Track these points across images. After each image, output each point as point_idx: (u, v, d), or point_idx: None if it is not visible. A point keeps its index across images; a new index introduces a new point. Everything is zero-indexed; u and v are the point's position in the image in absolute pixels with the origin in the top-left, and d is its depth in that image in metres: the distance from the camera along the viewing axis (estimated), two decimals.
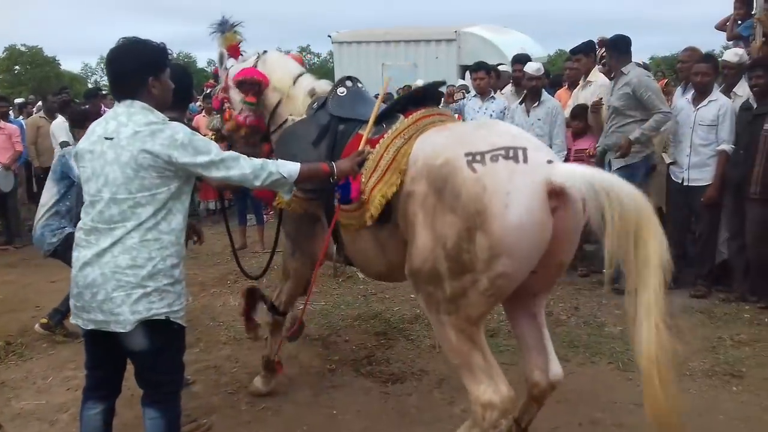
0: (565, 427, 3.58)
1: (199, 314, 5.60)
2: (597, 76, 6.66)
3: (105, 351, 2.79)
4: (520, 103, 6.45)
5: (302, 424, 3.72)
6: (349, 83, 3.59)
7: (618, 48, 5.73)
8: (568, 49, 7.13)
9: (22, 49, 49.06)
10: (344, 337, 4.99)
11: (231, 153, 2.78)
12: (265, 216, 8.46)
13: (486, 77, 6.87)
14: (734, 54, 5.87)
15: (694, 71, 5.59)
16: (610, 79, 6.08)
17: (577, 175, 2.56)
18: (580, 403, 3.81)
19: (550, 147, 6.14)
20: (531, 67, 6.41)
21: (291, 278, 3.96)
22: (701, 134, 5.43)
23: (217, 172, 2.70)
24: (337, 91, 3.55)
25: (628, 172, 5.33)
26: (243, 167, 2.74)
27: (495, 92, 7.26)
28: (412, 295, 5.86)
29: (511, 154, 2.62)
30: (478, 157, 2.64)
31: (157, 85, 2.73)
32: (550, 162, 2.63)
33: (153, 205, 2.61)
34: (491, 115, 6.73)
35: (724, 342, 4.60)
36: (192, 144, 2.62)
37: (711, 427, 3.54)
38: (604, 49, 6.21)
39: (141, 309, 2.60)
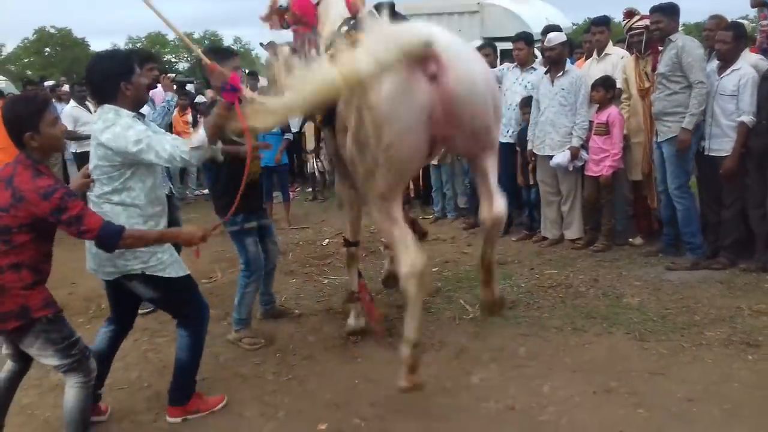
0: (579, 396, 3.67)
1: (227, 290, 5.78)
2: (613, 49, 6.64)
3: (117, 296, 3.65)
4: (546, 72, 6.45)
5: (326, 393, 3.88)
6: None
7: (669, 14, 5.64)
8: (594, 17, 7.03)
9: (52, 31, 49.63)
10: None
11: (153, 139, 3.18)
12: (291, 193, 8.61)
13: (526, 48, 6.81)
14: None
15: (717, 39, 5.53)
16: (646, 51, 5.99)
17: (446, 41, 2.88)
18: (596, 372, 3.90)
19: (575, 117, 6.18)
20: (550, 37, 6.42)
21: (346, 206, 4.42)
22: (722, 104, 5.37)
23: (148, 156, 3.18)
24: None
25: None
26: (160, 152, 3.17)
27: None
28: (435, 269, 6.00)
29: None
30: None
31: (130, 87, 3.31)
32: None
33: (112, 184, 3.26)
34: (526, 86, 6.75)
35: (742, 312, 4.62)
36: (125, 136, 3.16)
37: (727, 395, 3.60)
38: (635, 18, 6.10)
39: (120, 265, 3.32)
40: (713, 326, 4.42)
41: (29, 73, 40.90)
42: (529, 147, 6.60)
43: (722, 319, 4.52)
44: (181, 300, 3.55)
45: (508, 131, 6.86)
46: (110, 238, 3.02)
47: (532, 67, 6.85)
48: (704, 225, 5.79)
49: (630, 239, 6.37)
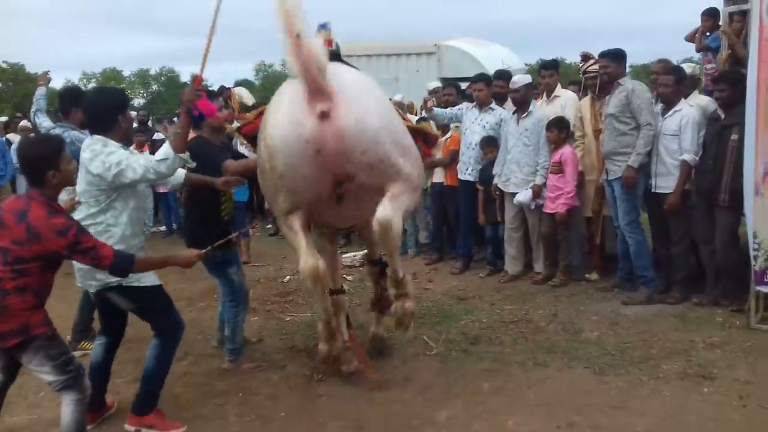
0: (543, 430, 3.71)
1: (188, 328, 5.64)
2: (562, 92, 6.91)
3: (103, 307, 3.98)
4: (513, 113, 6.63)
5: None
6: None
7: (616, 59, 5.91)
8: (547, 59, 7.35)
9: (4, 66, 48.71)
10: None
11: (131, 159, 3.55)
12: (251, 229, 8.57)
13: (485, 88, 6.96)
14: (687, 67, 6.23)
15: (659, 82, 5.81)
16: (600, 94, 6.23)
17: (339, 81, 3.14)
18: (558, 407, 3.96)
19: (537, 157, 6.37)
20: (515, 79, 6.64)
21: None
22: (665, 143, 5.60)
23: (128, 174, 3.52)
24: None
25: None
26: (136, 169, 3.53)
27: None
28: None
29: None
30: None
31: (124, 120, 3.79)
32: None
33: (97, 206, 3.61)
34: (485, 127, 6.90)
35: (697, 345, 4.77)
36: (109, 161, 3.52)
37: (684, 427, 3.70)
38: (589, 62, 6.39)
39: (99, 278, 3.62)
40: (669, 360, 4.55)
41: None
42: (495, 181, 6.74)
43: (678, 353, 4.65)
44: (156, 310, 3.85)
45: (467, 169, 7.01)
46: (123, 264, 3.34)
47: (491, 107, 7.02)
48: (656, 260, 5.98)
49: (587, 275, 6.53)
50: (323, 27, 4.26)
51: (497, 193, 6.77)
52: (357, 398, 4.22)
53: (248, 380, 4.56)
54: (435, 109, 7.21)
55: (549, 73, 6.93)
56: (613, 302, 5.83)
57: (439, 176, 7.48)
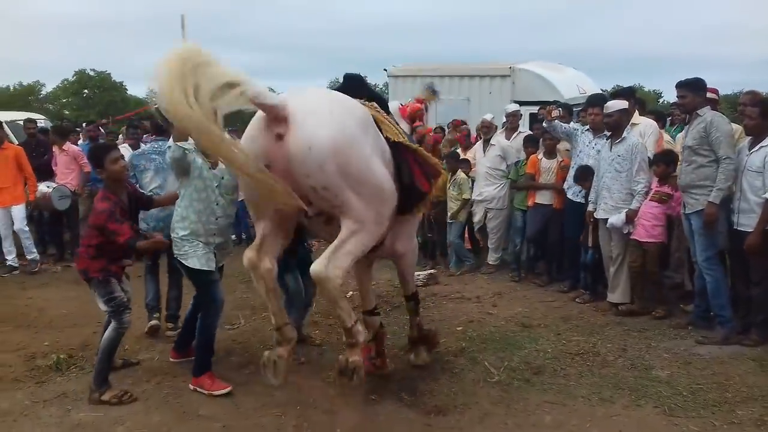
0: None
1: (250, 337, 5.78)
2: (640, 119, 6.76)
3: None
4: (607, 139, 6.52)
5: None
6: None
7: (694, 89, 5.71)
8: (624, 85, 7.19)
9: (91, 74, 51.21)
10: (389, 367, 5.07)
11: None
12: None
13: (601, 113, 6.73)
14: None
15: (745, 114, 5.55)
16: (683, 122, 6.05)
17: (297, 108, 3.41)
18: None
19: (631, 184, 6.23)
20: (609, 104, 6.52)
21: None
22: (749, 180, 5.33)
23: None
24: None
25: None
26: None
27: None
28: (459, 328, 5.95)
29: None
30: None
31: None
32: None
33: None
34: (599, 152, 6.71)
35: None
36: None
37: None
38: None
39: (174, 251, 4.58)
40: (745, 405, 4.30)
41: (66, 113, 42.09)
42: (590, 209, 6.63)
43: (754, 398, 4.40)
44: (197, 285, 4.68)
45: (581, 191, 6.92)
46: (130, 246, 4.37)
47: (605, 134, 6.77)
48: (735, 299, 5.69)
49: (653, 311, 6.25)
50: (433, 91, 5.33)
51: (591, 220, 6.64)
52: (414, 422, 4.16)
53: (307, 393, 4.58)
54: (556, 121, 7.14)
55: (628, 100, 6.72)
56: (686, 340, 5.57)
57: (545, 198, 7.53)
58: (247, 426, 4.12)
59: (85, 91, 51.36)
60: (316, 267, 3.50)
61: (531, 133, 8.24)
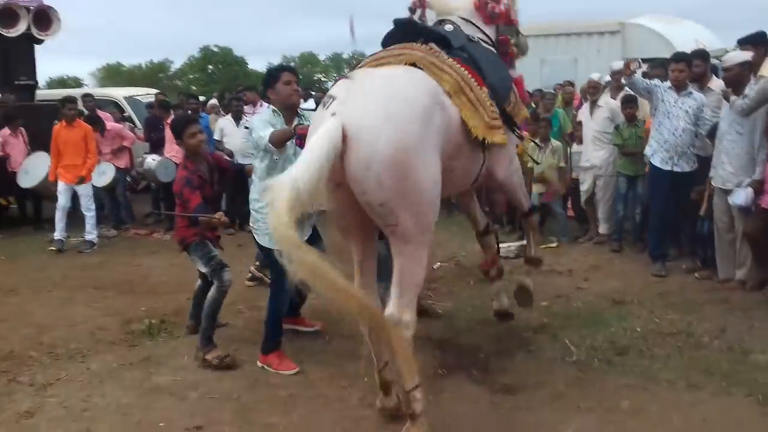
0: None
1: (328, 311, 5.80)
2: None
3: None
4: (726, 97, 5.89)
5: (401, 426, 3.73)
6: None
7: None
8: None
9: (215, 49, 53.51)
10: (464, 341, 4.95)
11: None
12: None
13: (686, 70, 6.34)
14: None
15: None
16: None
17: (347, 118, 3.18)
18: None
19: (754, 147, 5.59)
20: (726, 57, 5.95)
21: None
22: None
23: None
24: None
25: None
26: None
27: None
28: (544, 303, 5.69)
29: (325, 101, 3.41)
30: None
31: (272, 93, 4.59)
32: (333, 115, 3.22)
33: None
34: (687, 111, 6.27)
35: None
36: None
37: None
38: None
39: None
40: None
41: (194, 88, 44.36)
42: (710, 174, 6.02)
43: None
44: (270, 261, 4.53)
45: (671, 158, 6.39)
46: (199, 211, 4.52)
47: (689, 91, 6.32)
48: None
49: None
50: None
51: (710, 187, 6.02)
52: (479, 400, 4.03)
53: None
54: (636, 75, 6.59)
55: (753, 48, 5.96)
56: None
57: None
58: (311, 395, 4.16)
59: (210, 66, 53.78)
60: (391, 312, 3.33)
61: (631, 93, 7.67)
